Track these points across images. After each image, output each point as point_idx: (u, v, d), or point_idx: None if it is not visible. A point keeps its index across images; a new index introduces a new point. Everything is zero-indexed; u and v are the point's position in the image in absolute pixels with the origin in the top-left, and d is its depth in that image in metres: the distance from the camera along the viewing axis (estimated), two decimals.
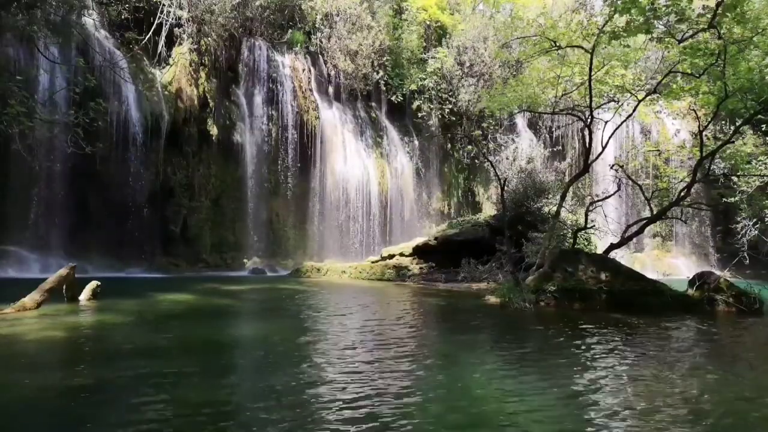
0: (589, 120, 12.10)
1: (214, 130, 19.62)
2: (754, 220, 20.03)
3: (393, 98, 24.62)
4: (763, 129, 18.79)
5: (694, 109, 13.87)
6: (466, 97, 24.82)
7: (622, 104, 12.98)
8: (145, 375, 4.34)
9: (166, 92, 18.39)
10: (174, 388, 4.06)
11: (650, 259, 24.85)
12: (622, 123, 13.83)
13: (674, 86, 12.15)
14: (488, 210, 23.56)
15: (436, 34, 26.18)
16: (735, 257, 20.04)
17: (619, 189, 13.72)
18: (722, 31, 9.81)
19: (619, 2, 9.99)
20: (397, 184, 24.12)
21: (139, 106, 17.37)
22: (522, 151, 25.52)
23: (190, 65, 19.33)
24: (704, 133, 12.26)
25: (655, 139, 26.42)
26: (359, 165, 22.84)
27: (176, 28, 19.17)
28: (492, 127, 25.97)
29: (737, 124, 11.83)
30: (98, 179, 16.32)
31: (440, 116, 25.16)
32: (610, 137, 12.41)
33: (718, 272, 11.43)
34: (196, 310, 8.81)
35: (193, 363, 4.95)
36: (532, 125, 27.70)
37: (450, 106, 25.16)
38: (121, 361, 4.89)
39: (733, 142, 14.02)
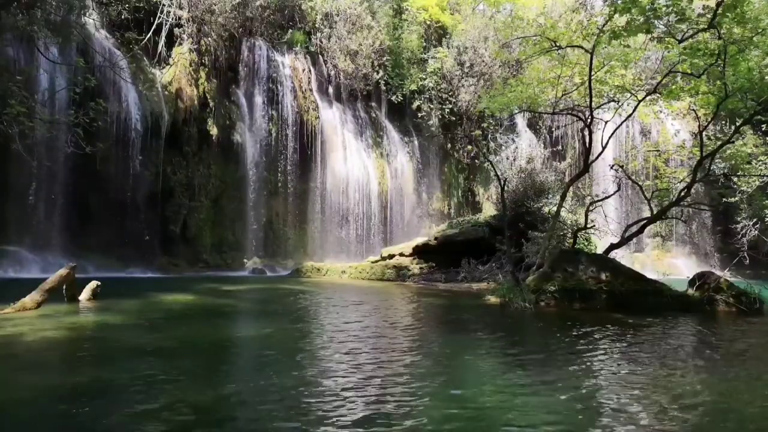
0: (589, 120, 12.09)
1: (214, 130, 19.63)
2: (754, 220, 20.06)
3: (393, 98, 24.63)
4: (763, 129, 18.80)
5: (694, 109, 13.86)
6: (466, 97, 24.84)
7: (622, 104, 12.98)
8: (146, 375, 4.34)
9: (166, 92, 18.40)
10: (174, 388, 4.06)
11: (650, 259, 24.86)
12: (622, 123, 13.82)
13: (674, 86, 12.15)
14: (488, 210, 23.58)
15: (436, 34, 26.20)
16: (735, 257, 20.07)
17: (619, 189, 13.73)
18: (722, 31, 9.81)
19: (619, 2, 9.99)
20: (397, 184, 24.13)
21: (139, 106, 17.37)
22: (522, 151, 25.60)
23: (190, 65, 19.34)
24: (704, 133, 12.26)
25: (655, 139, 26.42)
26: (359, 165, 22.85)
27: (176, 28, 19.18)
28: (492, 127, 25.99)
29: (737, 124, 11.82)
30: (98, 179, 16.33)
31: (440, 116, 25.18)
32: (610, 137, 12.40)
33: (718, 272, 11.43)
34: (196, 310, 8.80)
35: (193, 363, 4.95)
36: (532, 125, 27.71)
37: (450, 106, 25.18)
38: (121, 361, 4.89)
39: (733, 142, 14.02)
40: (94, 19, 17.32)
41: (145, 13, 18.63)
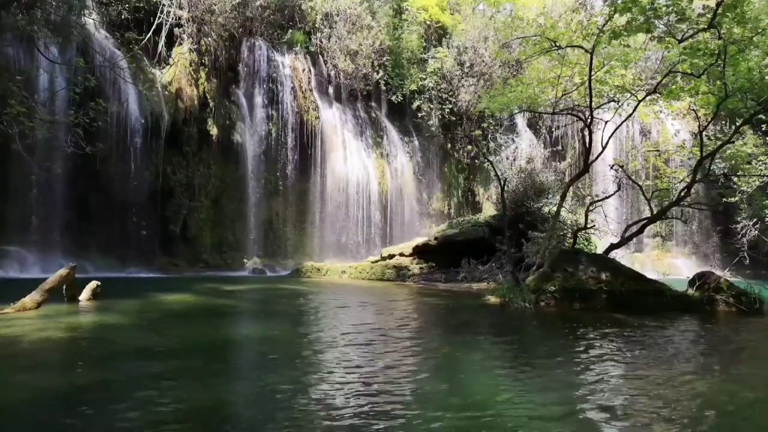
0: (589, 120, 12.09)
1: (214, 130, 19.63)
2: (754, 220, 20.06)
3: (393, 98, 24.62)
4: (763, 129, 18.81)
5: (694, 109, 13.85)
6: (466, 97, 24.83)
7: (622, 104, 12.98)
8: (145, 375, 4.34)
9: (166, 92, 18.40)
10: (174, 389, 4.06)
11: (650, 259, 24.85)
12: (622, 123, 13.82)
13: (674, 86, 12.14)
14: (488, 210, 23.58)
15: (437, 34, 26.19)
16: (735, 257, 20.08)
17: (619, 189, 13.72)
18: (722, 31, 9.81)
19: (619, 1, 9.99)
20: (397, 184, 24.13)
21: (139, 106, 17.37)
22: (522, 151, 25.60)
23: (190, 65, 19.33)
24: (704, 133, 12.25)
25: (655, 139, 26.42)
26: (359, 165, 22.85)
27: (176, 28, 19.18)
28: (492, 127, 25.99)
29: (737, 124, 11.82)
30: (98, 179, 16.33)
31: (440, 116, 25.17)
32: (610, 137, 12.39)
33: (718, 272, 11.42)
34: (196, 310, 8.80)
35: (193, 364, 4.95)
36: (532, 125, 27.71)
37: (450, 106, 25.17)
38: (121, 362, 4.89)
39: (733, 142, 14.02)
40: (94, 19, 17.31)
41: (145, 13, 18.63)
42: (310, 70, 22.68)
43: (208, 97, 19.75)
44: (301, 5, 22.87)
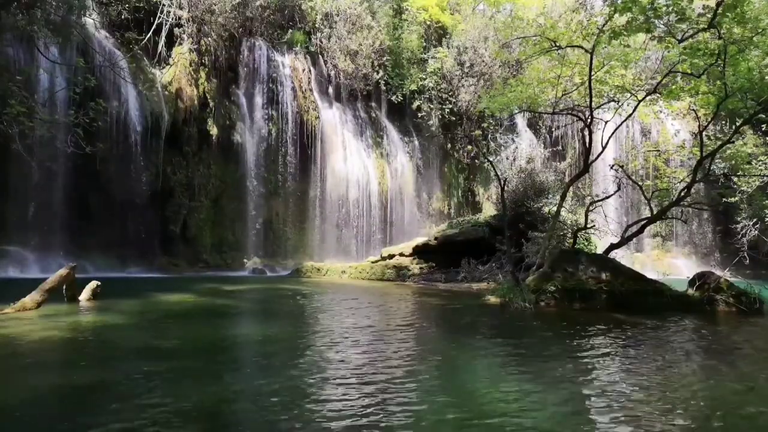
0: (589, 120, 12.09)
1: (214, 130, 19.63)
2: (754, 220, 20.07)
3: (393, 98, 24.62)
4: (763, 129, 18.81)
5: (694, 109, 13.85)
6: (466, 97, 24.83)
7: (622, 104, 12.98)
8: (145, 375, 4.34)
9: (166, 92, 18.40)
10: (174, 389, 4.06)
11: (650, 259, 24.85)
12: (622, 123, 13.83)
13: (674, 86, 12.14)
14: (488, 210, 23.57)
15: (436, 34, 26.19)
16: (735, 257, 20.11)
17: (619, 189, 13.71)
18: (722, 31, 9.81)
19: (619, 1, 9.99)
20: (397, 184, 24.13)
21: (139, 106, 17.37)
22: (522, 151, 25.62)
23: (190, 65, 19.33)
24: (704, 133, 12.25)
25: (655, 139, 26.43)
26: (359, 165, 22.85)
27: (176, 28, 19.19)
28: (492, 127, 25.99)
29: (737, 124, 11.82)
30: (98, 179, 16.33)
31: (440, 116, 25.17)
32: (610, 137, 12.39)
33: (718, 272, 11.42)
34: (196, 310, 8.80)
35: (193, 364, 4.95)
36: (532, 125, 27.71)
37: (450, 106, 25.17)
38: (121, 362, 4.89)
39: (733, 142, 14.03)
40: (94, 19, 17.32)
41: (145, 13, 18.63)
42: (310, 70, 22.68)
43: (208, 97, 19.75)
44: (301, 5, 22.87)
